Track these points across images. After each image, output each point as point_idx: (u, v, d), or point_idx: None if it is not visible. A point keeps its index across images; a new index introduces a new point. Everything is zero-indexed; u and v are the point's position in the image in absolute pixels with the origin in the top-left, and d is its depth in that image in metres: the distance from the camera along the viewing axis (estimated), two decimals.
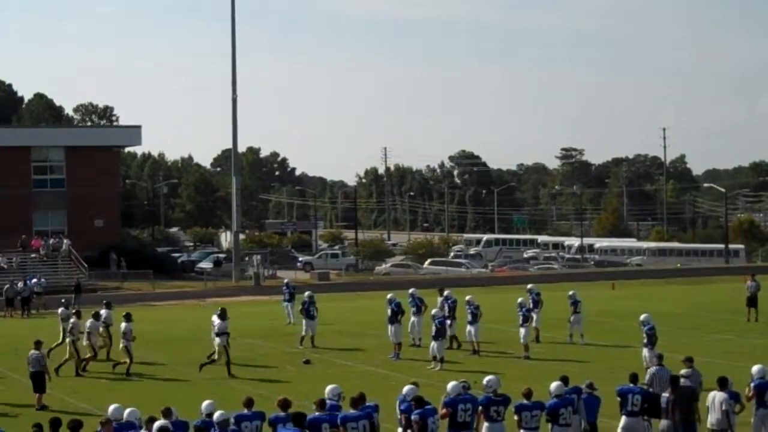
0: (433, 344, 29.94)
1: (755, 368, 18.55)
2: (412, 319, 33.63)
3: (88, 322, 30.51)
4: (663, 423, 17.80)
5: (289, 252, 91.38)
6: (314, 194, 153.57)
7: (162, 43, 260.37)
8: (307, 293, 35.50)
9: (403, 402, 16.81)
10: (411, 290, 35.17)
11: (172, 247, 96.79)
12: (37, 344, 25.55)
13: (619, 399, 17.97)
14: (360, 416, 15.81)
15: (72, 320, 30.32)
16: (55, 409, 22.69)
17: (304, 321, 34.32)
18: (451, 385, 17.17)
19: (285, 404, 16.11)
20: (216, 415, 15.79)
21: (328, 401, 16.27)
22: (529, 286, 36.25)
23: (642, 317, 27.78)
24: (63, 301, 34.99)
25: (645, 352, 26.70)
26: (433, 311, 31.12)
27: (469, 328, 32.23)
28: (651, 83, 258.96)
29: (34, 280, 53.98)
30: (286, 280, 45.47)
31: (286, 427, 15.28)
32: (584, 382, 18.37)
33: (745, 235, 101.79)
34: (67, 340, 29.91)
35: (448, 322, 32.49)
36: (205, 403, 16.40)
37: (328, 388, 16.79)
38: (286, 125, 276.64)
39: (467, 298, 33.38)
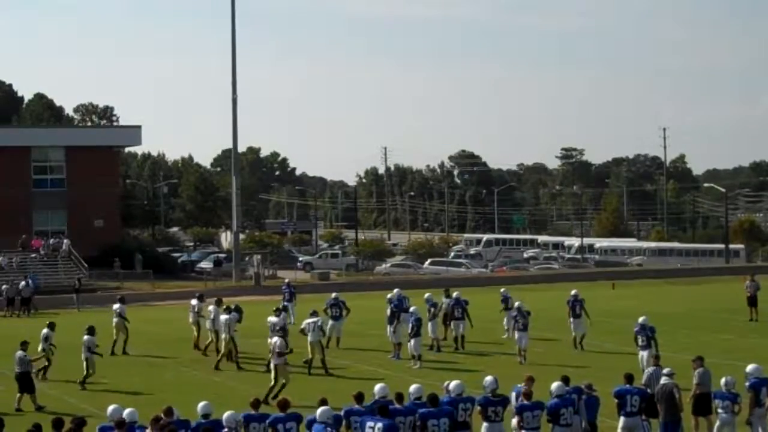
0: (411, 342, 30.15)
1: (750, 367, 18.63)
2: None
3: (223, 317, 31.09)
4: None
5: (289, 252, 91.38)
6: (314, 194, 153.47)
7: (162, 43, 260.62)
8: (333, 294, 35.44)
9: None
10: (395, 291, 35.45)
11: (172, 247, 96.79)
12: (23, 345, 25.56)
13: (616, 400, 17.97)
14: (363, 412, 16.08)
15: (224, 316, 30.78)
16: (56, 410, 22.65)
17: (330, 322, 34.20)
18: (453, 384, 17.19)
19: (284, 405, 16.12)
20: (226, 416, 15.75)
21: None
22: (574, 291, 34.53)
23: (641, 320, 27.06)
24: (216, 299, 34.82)
25: (644, 354, 26.11)
26: (412, 308, 31.41)
27: (429, 325, 32.69)
28: (651, 83, 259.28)
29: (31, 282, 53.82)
30: (286, 280, 45.49)
31: (372, 417, 15.56)
32: (583, 383, 18.38)
33: (746, 235, 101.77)
34: (223, 336, 30.34)
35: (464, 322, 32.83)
36: (202, 403, 16.39)
37: (377, 387, 16.83)
38: (286, 125, 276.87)
39: (426, 296, 34.10)
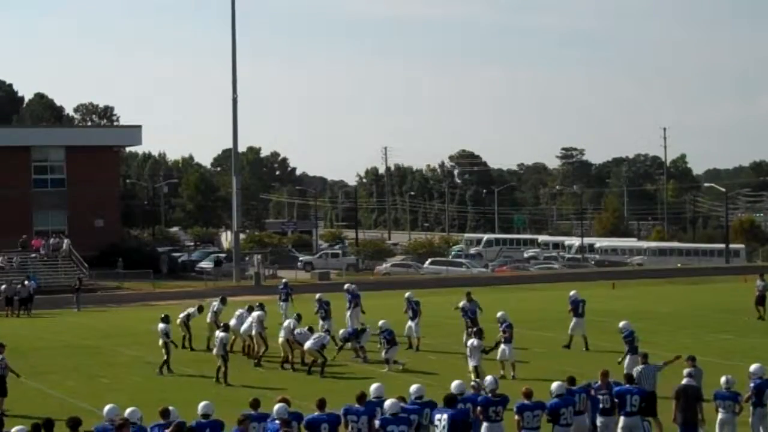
0: (384, 352, 29.82)
1: (753, 367, 18.60)
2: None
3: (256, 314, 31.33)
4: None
5: (290, 252, 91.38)
6: (314, 194, 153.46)
7: (162, 43, 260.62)
8: (317, 296, 35.72)
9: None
10: (346, 286, 36.40)
11: (173, 246, 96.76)
12: (0, 347, 25.18)
13: (616, 400, 17.96)
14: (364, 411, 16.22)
15: (257, 313, 31.19)
16: (56, 410, 22.64)
17: (319, 322, 34.27)
18: (454, 384, 17.20)
19: (284, 404, 16.13)
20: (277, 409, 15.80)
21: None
22: (572, 292, 34.30)
23: (621, 324, 25.91)
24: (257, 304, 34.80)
25: (627, 359, 24.82)
26: (381, 322, 30.65)
27: (409, 323, 32.72)
28: (651, 83, 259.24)
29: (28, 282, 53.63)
30: (284, 280, 45.61)
31: (438, 409, 15.87)
32: (582, 383, 18.41)
33: (746, 234, 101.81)
34: (254, 332, 30.76)
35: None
36: (202, 403, 16.40)
37: (373, 386, 17.10)
38: (286, 125, 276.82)
39: (406, 295, 34.00)
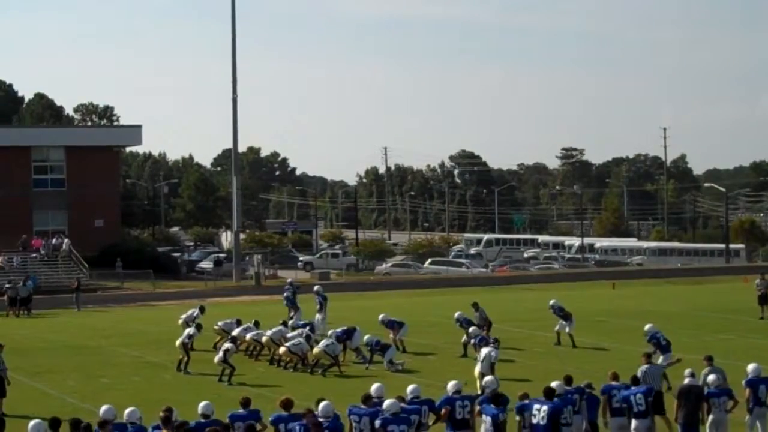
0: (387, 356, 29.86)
1: (750, 367, 18.64)
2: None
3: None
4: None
5: (290, 252, 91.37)
6: (314, 194, 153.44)
7: (162, 43, 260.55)
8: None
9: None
10: (315, 288, 37.37)
11: (173, 246, 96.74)
12: None
13: (624, 405, 17.84)
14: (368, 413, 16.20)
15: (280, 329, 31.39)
16: (57, 410, 22.62)
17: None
18: (450, 384, 17.22)
19: (287, 404, 16.14)
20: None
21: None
22: (552, 302, 34.43)
23: (645, 328, 26.54)
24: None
25: (660, 360, 25.19)
26: (366, 337, 30.48)
27: (393, 336, 32.53)
28: (651, 83, 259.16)
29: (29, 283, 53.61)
30: (289, 280, 45.43)
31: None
32: (583, 383, 18.39)
33: (746, 234, 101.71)
34: (264, 339, 30.95)
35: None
36: (202, 403, 16.40)
37: (374, 387, 17.24)
38: (286, 125, 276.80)
39: (380, 317, 33.52)
